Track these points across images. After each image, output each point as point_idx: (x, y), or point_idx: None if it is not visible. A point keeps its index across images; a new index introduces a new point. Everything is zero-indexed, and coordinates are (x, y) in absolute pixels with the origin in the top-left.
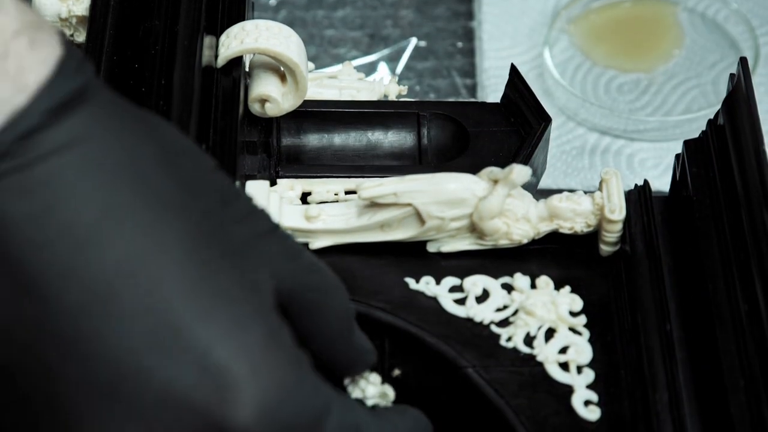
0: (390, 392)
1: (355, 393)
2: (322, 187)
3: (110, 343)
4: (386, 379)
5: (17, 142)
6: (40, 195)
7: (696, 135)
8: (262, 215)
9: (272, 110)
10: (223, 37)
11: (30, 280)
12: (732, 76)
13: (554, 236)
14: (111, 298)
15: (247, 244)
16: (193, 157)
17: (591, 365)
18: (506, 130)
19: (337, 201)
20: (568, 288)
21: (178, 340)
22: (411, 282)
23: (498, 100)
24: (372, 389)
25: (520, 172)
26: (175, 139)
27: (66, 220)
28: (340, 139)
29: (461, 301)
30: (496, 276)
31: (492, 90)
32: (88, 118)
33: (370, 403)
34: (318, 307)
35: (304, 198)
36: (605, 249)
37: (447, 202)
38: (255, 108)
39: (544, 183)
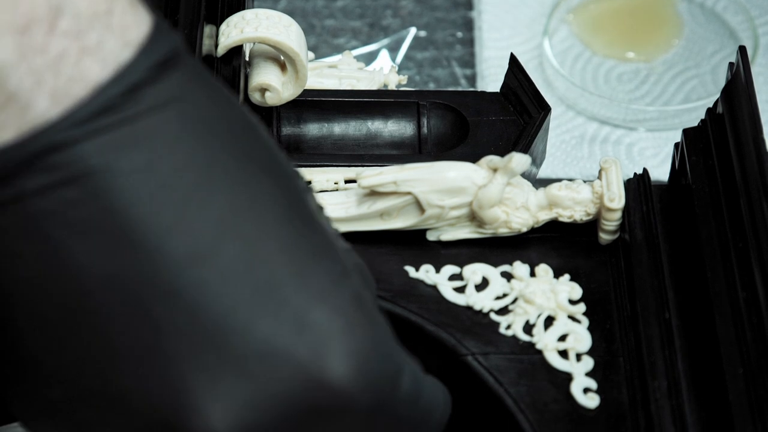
0: None
1: None
2: (322, 176)
3: (213, 297)
4: None
5: (123, 95)
6: (145, 149)
7: (695, 124)
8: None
9: (272, 99)
10: (223, 26)
11: (135, 231)
12: (731, 65)
13: (553, 225)
14: (214, 252)
15: (316, 212)
16: (264, 128)
17: (590, 353)
18: (506, 119)
19: (336, 190)
20: (567, 276)
21: (278, 296)
22: (411, 270)
23: (498, 90)
24: None
25: (519, 161)
26: (248, 110)
27: (169, 174)
28: (339, 128)
29: (461, 290)
30: (495, 264)
31: (492, 80)
32: (184, 78)
33: None
34: None
35: None
36: (604, 237)
37: (447, 190)
38: (255, 97)
39: (544, 172)
